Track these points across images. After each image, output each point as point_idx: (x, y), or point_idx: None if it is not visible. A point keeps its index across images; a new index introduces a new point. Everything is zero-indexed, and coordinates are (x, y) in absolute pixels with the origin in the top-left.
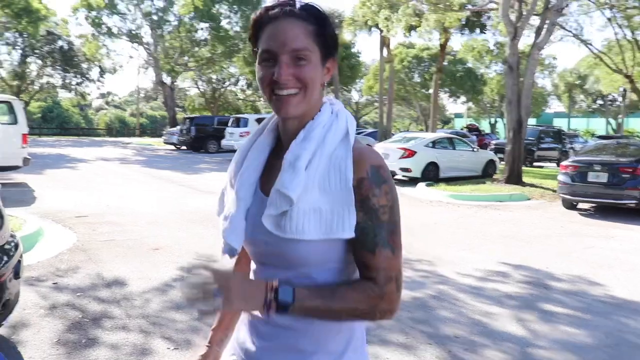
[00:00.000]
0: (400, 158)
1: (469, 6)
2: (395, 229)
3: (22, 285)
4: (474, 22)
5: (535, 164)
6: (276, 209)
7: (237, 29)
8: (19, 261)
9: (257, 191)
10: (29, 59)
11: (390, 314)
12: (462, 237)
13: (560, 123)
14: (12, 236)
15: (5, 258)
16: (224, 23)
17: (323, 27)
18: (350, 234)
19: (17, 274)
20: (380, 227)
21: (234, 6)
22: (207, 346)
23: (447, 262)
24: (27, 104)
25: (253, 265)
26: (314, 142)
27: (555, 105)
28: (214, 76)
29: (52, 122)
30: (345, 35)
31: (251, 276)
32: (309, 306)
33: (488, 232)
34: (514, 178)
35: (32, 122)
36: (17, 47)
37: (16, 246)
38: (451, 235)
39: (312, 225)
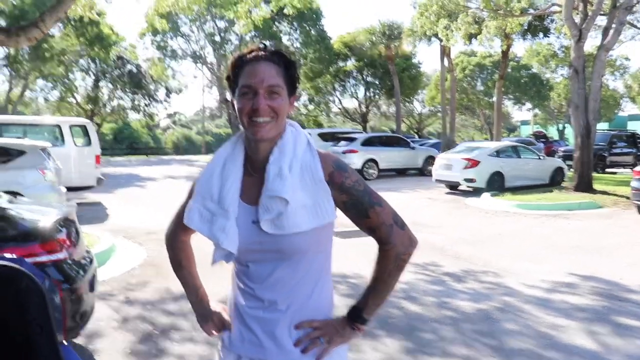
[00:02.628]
0: (464, 168)
1: (531, 10)
2: (371, 191)
3: (97, 299)
4: (537, 27)
5: (607, 170)
6: (272, 212)
7: (298, 45)
8: (94, 275)
9: (240, 203)
10: (100, 83)
11: (411, 246)
12: (529, 248)
13: (635, 126)
14: (87, 252)
15: (81, 272)
16: (284, 40)
17: (289, 69)
18: (333, 216)
19: (92, 288)
20: (362, 196)
21: (294, 23)
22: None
23: (512, 273)
24: (99, 126)
25: (238, 267)
26: (288, 154)
27: (629, 108)
28: None
29: (123, 143)
30: (405, 46)
31: (235, 277)
32: (378, 307)
33: (556, 242)
34: (584, 185)
35: (104, 143)
36: (90, 73)
37: (91, 261)
38: (517, 246)
39: (304, 218)
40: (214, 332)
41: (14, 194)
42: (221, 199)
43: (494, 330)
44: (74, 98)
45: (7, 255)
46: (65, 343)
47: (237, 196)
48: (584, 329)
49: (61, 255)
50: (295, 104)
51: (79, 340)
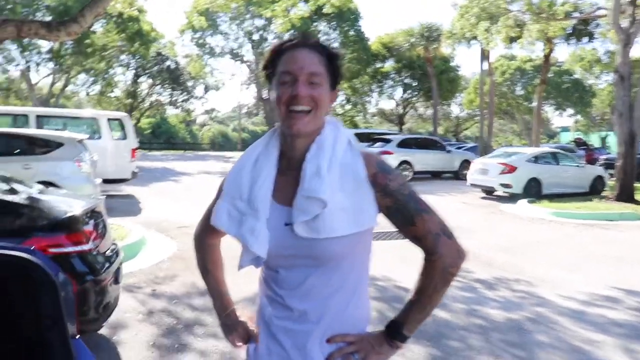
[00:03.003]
0: (500, 173)
1: (575, 14)
2: (417, 197)
3: (124, 291)
4: (581, 31)
5: None
6: (308, 214)
7: (336, 45)
8: (119, 268)
9: (272, 203)
10: (140, 79)
11: (459, 259)
12: (565, 257)
13: None
14: (113, 244)
15: (107, 264)
16: (323, 40)
17: (332, 60)
18: (374, 222)
19: (117, 280)
20: (408, 201)
21: (333, 23)
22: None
23: (547, 283)
24: (138, 120)
25: (267, 272)
26: (327, 152)
27: None
28: None
29: (161, 137)
30: (444, 48)
31: (263, 284)
32: (420, 323)
33: (594, 252)
34: (626, 195)
35: (142, 137)
36: (130, 68)
37: (117, 253)
38: (553, 255)
39: (343, 222)
40: (238, 343)
41: (50, 184)
42: (251, 198)
43: (524, 341)
44: (114, 92)
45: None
46: (78, 337)
47: (268, 195)
48: (620, 346)
49: (87, 246)
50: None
51: (103, 331)
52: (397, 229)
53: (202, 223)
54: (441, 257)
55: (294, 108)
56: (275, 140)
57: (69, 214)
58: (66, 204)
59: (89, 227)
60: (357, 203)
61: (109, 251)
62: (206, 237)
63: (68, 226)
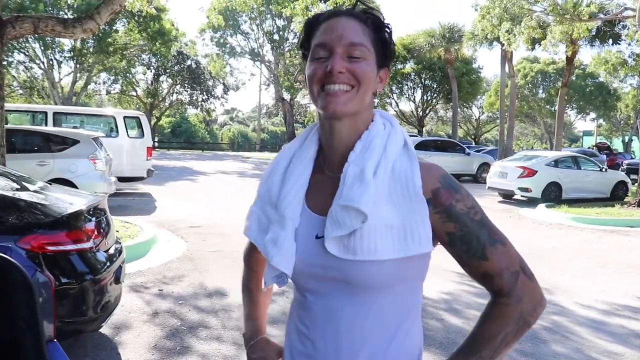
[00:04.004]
0: (519, 177)
1: (600, 15)
2: (491, 224)
3: (130, 290)
4: (606, 32)
5: None
6: (344, 228)
7: None
8: (120, 267)
9: (304, 209)
10: (161, 78)
11: (540, 306)
12: (584, 264)
13: None
14: (117, 242)
15: (107, 263)
16: None
17: (381, 32)
18: (428, 247)
19: (117, 279)
20: (480, 228)
21: None
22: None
23: (564, 290)
24: (158, 119)
25: (296, 296)
26: (375, 152)
27: None
28: None
29: (181, 137)
30: (465, 50)
31: (292, 311)
32: None
33: (614, 259)
34: None
35: (162, 136)
36: (151, 68)
37: (119, 252)
38: (571, 262)
39: (386, 243)
40: None
41: (65, 181)
42: (279, 201)
43: (538, 351)
44: (135, 91)
45: None
46: (55, 340)
47: (298, 199)
48: None
49: (87, 245)
50: None
51: (105, 331)
52: (458, 262)
53: None
54: (519, 302)
55: (329, 87)
56: (314, 135)
57: (69, 211)
58: (68, 201)
59: (90, 225)
60: (407, 220)
61: (111, 249)
62: (253, 250)
63: (68, 224)
